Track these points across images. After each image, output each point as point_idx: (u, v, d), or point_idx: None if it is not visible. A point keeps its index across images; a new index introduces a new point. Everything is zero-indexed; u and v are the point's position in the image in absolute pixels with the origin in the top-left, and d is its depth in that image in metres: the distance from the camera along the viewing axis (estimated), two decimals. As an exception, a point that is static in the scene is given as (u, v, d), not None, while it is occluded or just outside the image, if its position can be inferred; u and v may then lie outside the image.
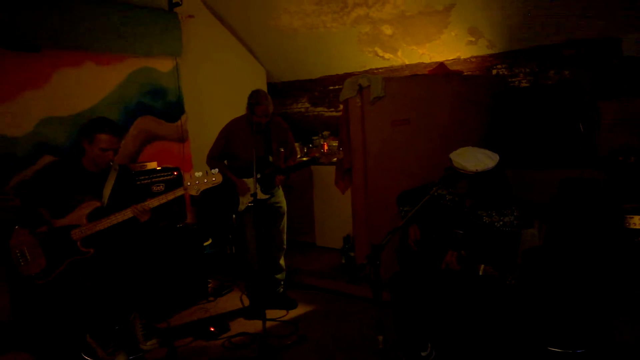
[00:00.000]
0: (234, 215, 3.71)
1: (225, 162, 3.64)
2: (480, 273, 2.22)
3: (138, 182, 3.59)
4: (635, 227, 2.82)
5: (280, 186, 3.67)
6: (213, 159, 3.58)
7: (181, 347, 3.17)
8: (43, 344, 3.13)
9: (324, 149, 5.22)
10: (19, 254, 2.79)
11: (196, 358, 3.04)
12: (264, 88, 5.78)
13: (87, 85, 3.97)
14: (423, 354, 2.58)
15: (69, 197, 2.85)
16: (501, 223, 2.45)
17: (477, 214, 2.52)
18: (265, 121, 3.44)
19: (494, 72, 4.49)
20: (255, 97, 3.41)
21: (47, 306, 3.17)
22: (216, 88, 5.07)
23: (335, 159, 4.37)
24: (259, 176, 3.20)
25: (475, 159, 2.43)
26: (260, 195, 3.41)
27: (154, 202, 2.86)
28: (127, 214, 2.82)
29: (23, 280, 2.84)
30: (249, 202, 3.42)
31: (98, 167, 2.92)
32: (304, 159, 3.69)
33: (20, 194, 3.35)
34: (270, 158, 3.51)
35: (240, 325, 3.47)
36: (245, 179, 3.48)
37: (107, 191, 2.95)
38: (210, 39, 5.12)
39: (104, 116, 3.04)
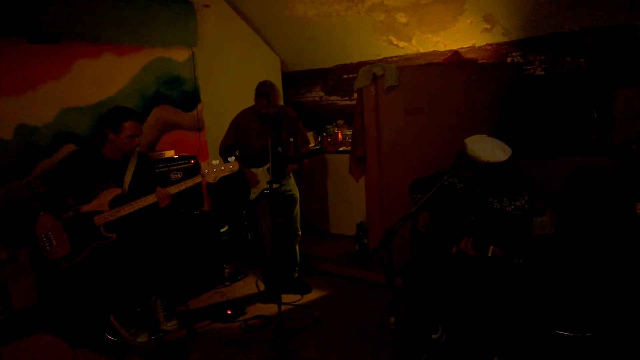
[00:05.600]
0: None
1: (237, 153, 3.70)
2: (489, 254, 2.25)
3: (157, 170, 3.69)
4: (646, 214, 2.83)
5: (291, 174, 3.74)
6: (224, 152, 3.65)
7: (200, 329, 3.29)
8: (68, 326, 3.27)
9: (337, 138, 5.26)
10: (44, 239, 2.91)
11: (214, 339, 3.15)
12: (279, 77, 5.82)
13: (106, 76, 4.05)
14: (434, 336, 2.65)
15: (91, 185, 2.96)
16: (512, 207, 2.48)
17: (488, 201, 2.56)
18: (273, 111, 3.47)
19: (509, 59, 4.46)
20: (264, 88, 3.43)
21: (72, 289, 3.30)
22: (231, 77, 5.12)
23: (341, 149, 4.35)
24: (269, 166, 3.25)
25: (489, 151, 2.45)
26: (271, 184, 3.47)
27: (173, 189, 2.95)
28: (150, 199, 2.92)
29: (48, 265, 2.96)
30: (265, 190, 3.49)
31: (124, 153, 3.01)
32: (317, 147, 3.74)
33: (46, 183, 3.46)
34: (280, 148, 3.56)
35: (256, 309, 3.57)
36: (254, 169, 3.55)
37: (127, 179, 3.05)
38: (225, 28, 5.16)
39: (122, 105, 3.12)
